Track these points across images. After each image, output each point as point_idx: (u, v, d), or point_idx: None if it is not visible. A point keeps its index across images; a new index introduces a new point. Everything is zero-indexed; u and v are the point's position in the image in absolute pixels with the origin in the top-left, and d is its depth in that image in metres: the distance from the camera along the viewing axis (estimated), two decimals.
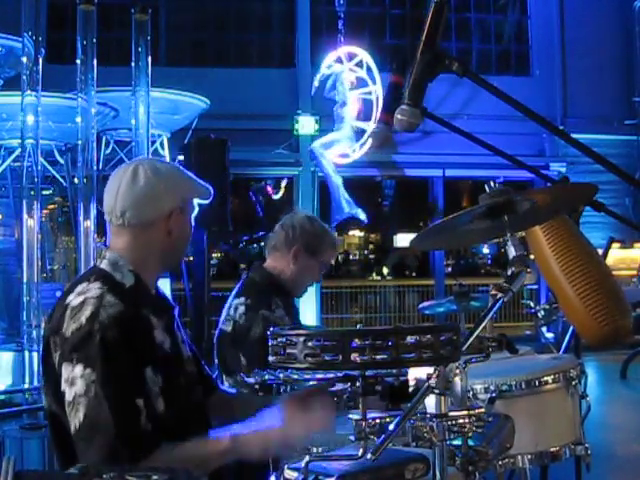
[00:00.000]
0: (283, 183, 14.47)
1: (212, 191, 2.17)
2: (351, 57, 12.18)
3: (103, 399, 1.77)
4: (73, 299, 1.88)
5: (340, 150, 12.42)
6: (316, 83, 12.15)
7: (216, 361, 2.93)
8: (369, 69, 12.06)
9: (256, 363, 2.61)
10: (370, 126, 12.02)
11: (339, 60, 12.20)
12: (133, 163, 2.06)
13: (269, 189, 14.58)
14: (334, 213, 12.56)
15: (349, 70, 12.11)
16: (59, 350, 1.84)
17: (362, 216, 12.54)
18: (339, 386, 1.85)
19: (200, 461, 1.84)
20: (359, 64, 12.16)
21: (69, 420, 1.79)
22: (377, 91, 11.95)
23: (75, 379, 1.79)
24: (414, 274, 17.85)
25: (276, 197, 14.67)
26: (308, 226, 2.99)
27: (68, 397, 1.79)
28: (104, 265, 1.99)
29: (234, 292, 2.99)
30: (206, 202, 2.19)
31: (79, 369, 1.79)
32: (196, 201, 2.16)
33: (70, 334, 1.82)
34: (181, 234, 2.07)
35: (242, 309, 2.85)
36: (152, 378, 1.88)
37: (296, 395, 1.89)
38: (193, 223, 2.16)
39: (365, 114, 12.08)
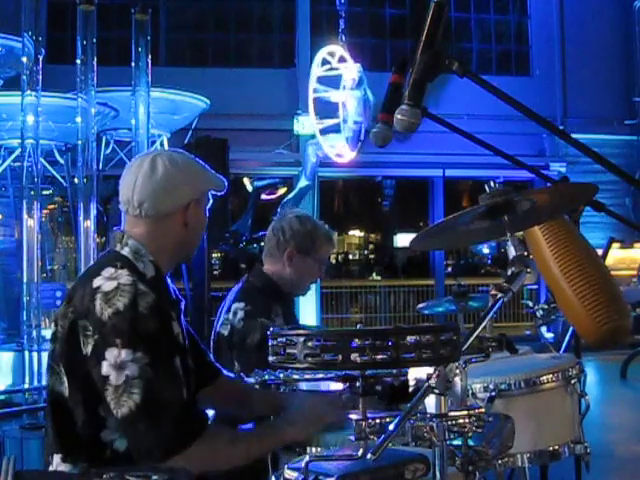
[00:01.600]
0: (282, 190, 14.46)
1: (226, 182, 2.18)
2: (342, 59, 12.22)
3: (163, 380, 1.81)
4: (104, 284, 1.87)
5: (335, 150, 12.44)
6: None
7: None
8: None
9: (251, 369, 2.62)
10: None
11: (342, 60, 12.19)
12: (151, 154, 2.07)
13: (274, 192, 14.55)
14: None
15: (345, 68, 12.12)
16: (96, 335, 1.82)
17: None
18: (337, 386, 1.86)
19: (250, 445, 1.94)
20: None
21: (115, 403, 1.79)
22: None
23: (125, 363, 1.79)
24: (405, 274, 17.80)
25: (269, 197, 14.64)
26: (297, 226, 2.95)
27: (115, 381, 1.79)
28: (126, 252, 1.98)
29: (233, 294, 2.98)
30: (221, 193, 2.19)
31: (127, 353, 1.79)
32: (211, 192, 2.16)
33: (107, 318, 1.82)
34: (197, 226, 2.09)
35: (241, 314, 2.82)
36: (179, 367, 1.90)
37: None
38: (208, 215, 2.17)
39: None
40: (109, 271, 1.90)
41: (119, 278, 1.87)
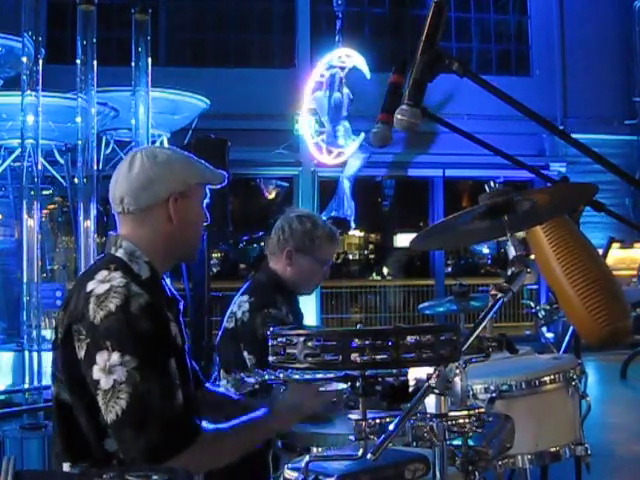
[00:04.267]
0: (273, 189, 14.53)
1: (225, 176, 2.13)
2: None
3: (152, 384, 1.78)
4: (97, 287, 1.86)
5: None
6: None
7: (217, 359, 2.94)
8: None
9: (264, 361, 2.62)
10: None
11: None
12: (134, 151, 2.07)
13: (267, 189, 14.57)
14: (331, 209, 12.62)
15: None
16: (88, 338, 1.81)
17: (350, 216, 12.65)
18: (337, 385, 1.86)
19: (245, 440, 1.95)
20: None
21: (105, 408, 1.78)
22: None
23: (114, 367, 1.77)
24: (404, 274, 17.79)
25: (271, 197, 14.67)
26: (296, 225, 2.96)
27: (105, 385, 1.77)
28: (120, 254, 1.97)
29: (240, 292, 2.99)
30: (218, 186, 2.15)
31: (117, 356, 1.77)
32: (207, 187, 2.13)
33: (99, 321, 1.80)
34: (184, 220, 2.03)
35: (246, 307, 2.84)
36: (174, 370, 1.88)
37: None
38: (205, 210, 2.11)
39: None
40: (102, 274, 1.89)
41: (112, 280, 1.86)
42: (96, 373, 1.79)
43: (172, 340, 1.94)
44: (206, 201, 2.14)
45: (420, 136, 12.39)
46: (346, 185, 12.55)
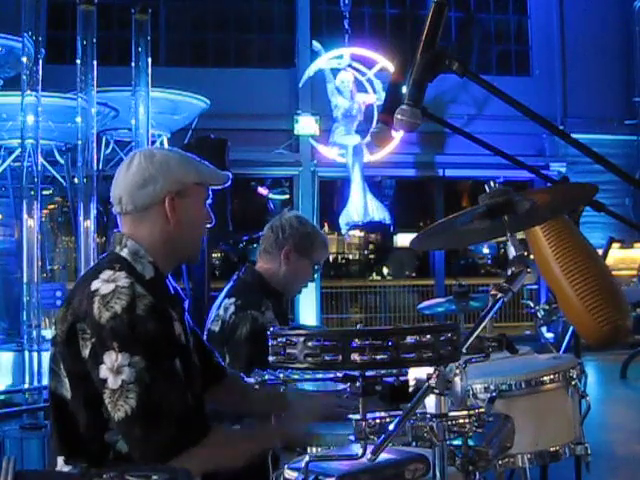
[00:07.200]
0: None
1: (229, 177, 2.11)
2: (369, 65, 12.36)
3: (160, 384, 1.80)
4: (101, 286, 1.86)
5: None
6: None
7: None
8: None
9: (240, 362, 2.62)
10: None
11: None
12: (135, 151, 2.09)
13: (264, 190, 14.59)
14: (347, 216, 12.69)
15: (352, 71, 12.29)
16: (94, 337, 1.82)
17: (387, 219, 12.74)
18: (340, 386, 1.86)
19: (249, 445, 1.98)
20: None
21: (112, 407, 1.79)
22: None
23: (122, 367, 1.78)
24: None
25: (275, 197, 14.68)
26: (297, 226, 2.96)
27: (112, 385, 1.78)
28: (125, 254, 1.97)
29: (224, 292, 2.99)
30: (220, 187, 2.14)
31: (124, 357, 1.79)
32: (210, 187, 2.11)
33: (105, 322, 1.81)
34: (182, 220, 2.02)
35: (232, 309, 2.84)
36: (180, 369, 1.89)
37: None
38: (207, 211, 2.10)
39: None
40: (107, 274, 1.89)
41: (117, 280, 1.87)
42: (103, 372, 1.80)
43: (176, 340, 1.95)
44: (208, 202, 2.13)
45: (421, 136, 12.41)
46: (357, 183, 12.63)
